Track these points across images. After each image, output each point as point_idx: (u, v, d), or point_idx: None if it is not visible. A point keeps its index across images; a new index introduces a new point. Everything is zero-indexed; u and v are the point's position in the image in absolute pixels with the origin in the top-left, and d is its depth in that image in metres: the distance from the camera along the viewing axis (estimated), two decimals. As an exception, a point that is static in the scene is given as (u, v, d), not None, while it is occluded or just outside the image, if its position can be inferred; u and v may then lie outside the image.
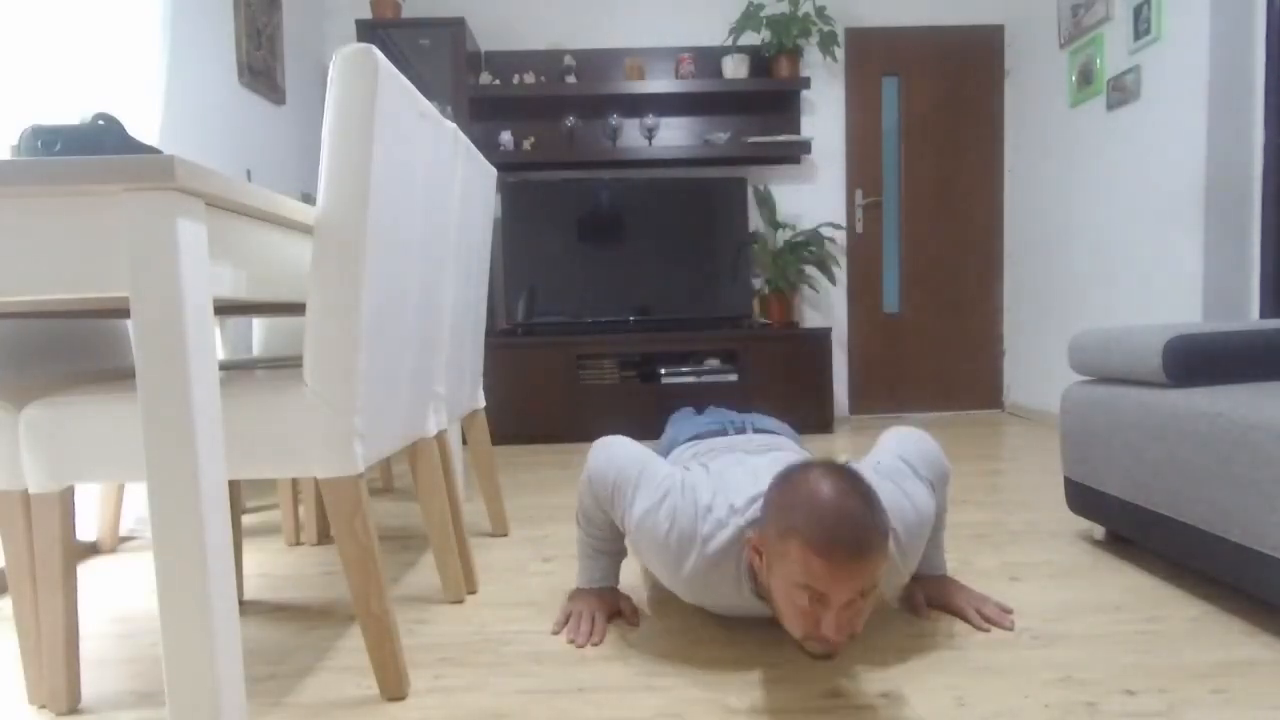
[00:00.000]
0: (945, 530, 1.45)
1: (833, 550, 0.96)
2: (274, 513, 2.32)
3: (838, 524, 0.97)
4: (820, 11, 3.65)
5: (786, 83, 3.66)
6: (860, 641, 1.28)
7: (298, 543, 1.98)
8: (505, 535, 1.99)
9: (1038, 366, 3.76)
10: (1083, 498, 1.73)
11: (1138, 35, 2.89)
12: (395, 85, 1.10)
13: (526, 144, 3.76)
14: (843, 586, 0.98)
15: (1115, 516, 1.62)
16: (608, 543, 1.42)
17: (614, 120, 3.72)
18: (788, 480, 1.07)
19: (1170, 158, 2.77)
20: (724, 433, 1.65)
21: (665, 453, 1.73)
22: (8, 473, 1.13)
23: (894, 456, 1.31)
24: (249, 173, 2.86)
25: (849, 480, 1.03)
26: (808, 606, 1.01)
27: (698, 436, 1.65)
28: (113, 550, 1.97)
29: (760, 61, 3.72)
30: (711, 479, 1.25)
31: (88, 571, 1.81)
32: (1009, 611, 1.36)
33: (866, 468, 1.26)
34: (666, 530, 1.19)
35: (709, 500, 1.20)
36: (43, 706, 1.14)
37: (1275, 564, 1.21)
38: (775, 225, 3.76)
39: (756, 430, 1.66)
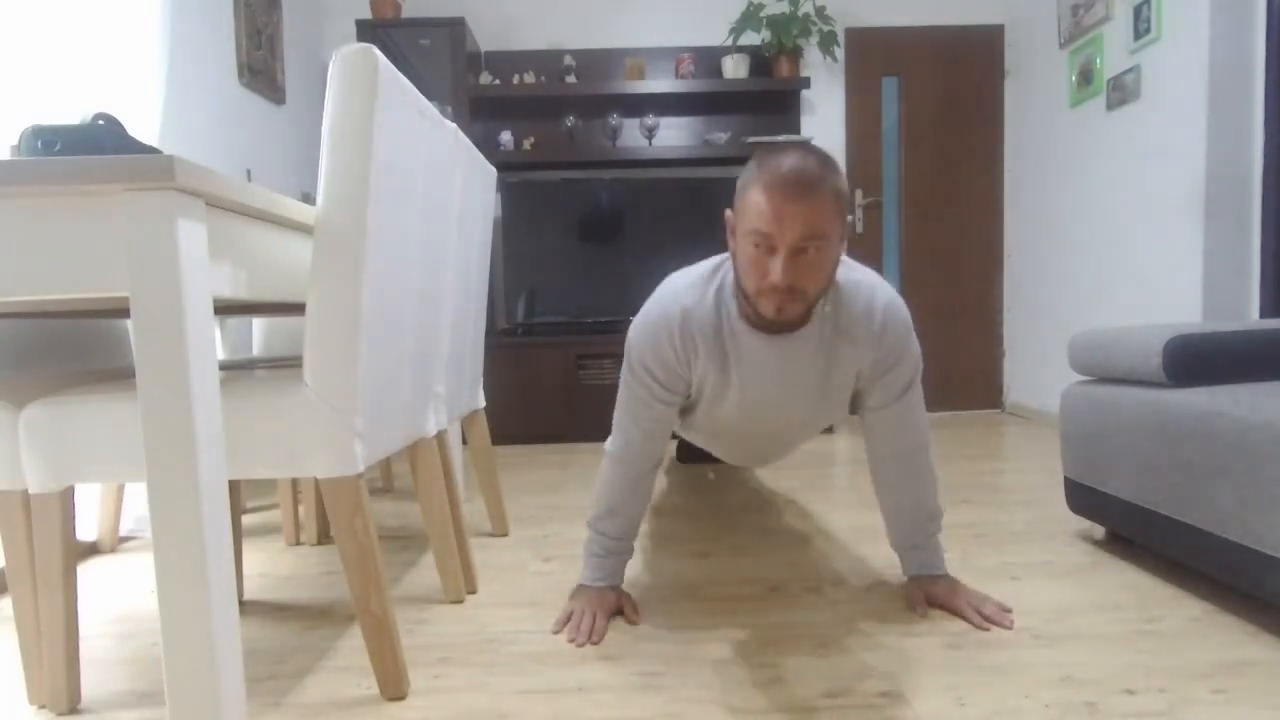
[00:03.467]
0: (943, 530, 1.46)
1: (777, 186, 1.09)
2: (274, 513, 2.32)
3: (788, 168, 1.10)
4: (820, 11, 3.65)
5: (786, 83, 3.66)
6: (860, 641, 1.28)
7: (298, 543, 1.98)
8: (505, 535, 1.99)
9: (1038, 366, 3.76)
10: (1083, 498, 1.73)
11: (1138, 35, 2.89)
12: (395, 85, 1.10)
13: (526, 144, 3.76)
14: (788, 225, 1.09)
15: (1115, 516, 1.62)
16: (619, 542, 1.43)
17: (614, 120, 3.72)
18: (756, 154, 1.19)
19: (1170, 157, 2.77)
20: None
21: None
22: (8, 473, 1.13)
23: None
24: (249, 173, 2.86)
25: (812, 148, 1.15)
26: (758, 256, 1.13)
27: None
28: (113, 550, 1.97)
29: (760, 61, 3.72)
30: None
31: (88, 571, 1.81)
32: (1009, 611, 1.36)
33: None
34: (644, 319, 1.34)
35: (676, 286, 1.34)
36: (43, 706, 1.14)
37: (1275, 564, 1.21)
38: (775, 225, 3.76)
39: None
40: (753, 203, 1.12)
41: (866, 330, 1.30)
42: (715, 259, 1.37)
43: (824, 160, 1.13)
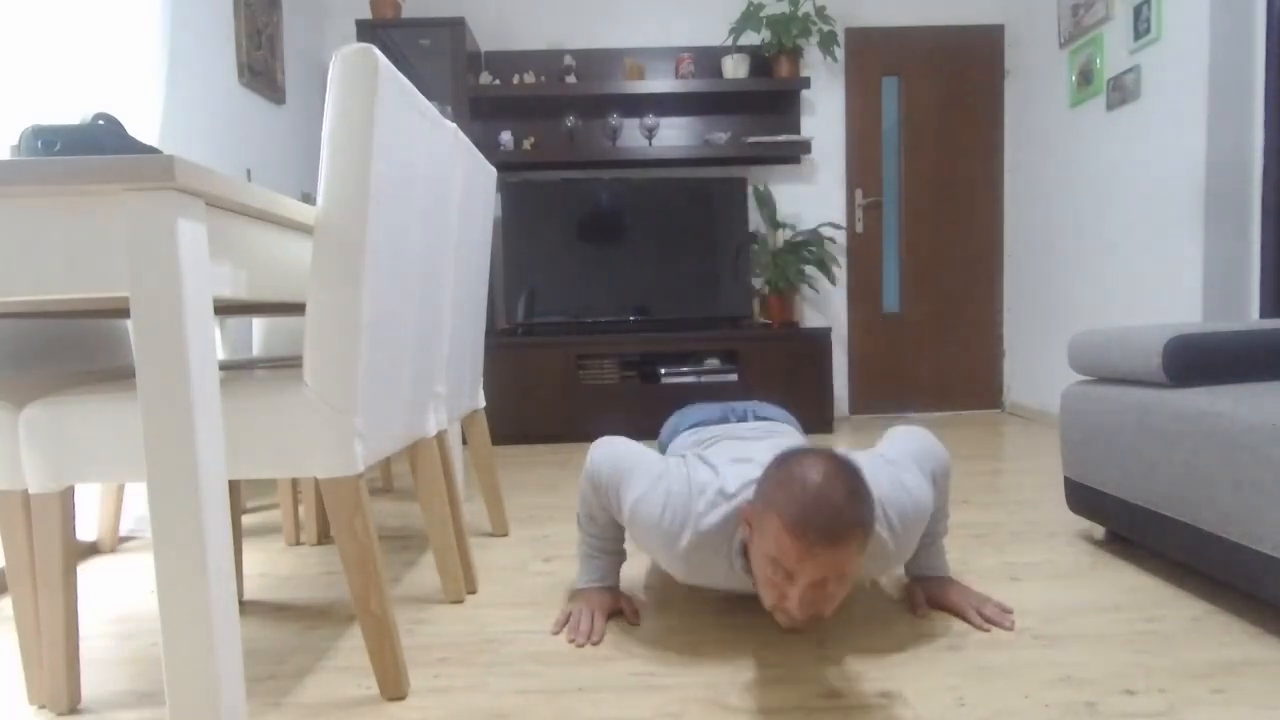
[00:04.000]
0: (947, 532, 1.46)
1: (803, 532, 0.99)
2: (274, 513, 2.32)
3: (815, 508, 1.00)
4: (820, 11, 3.65)
5: (786, 83, 3.66)
6: (860, 641, 1.28)
7: (298, 543, 1.98)
8: (505, 535, 1.99)
9: (1038, 366, 3.76)
10: (1083, 498, 1.73)
11: (1138, 35, 2.89)
12: (395, 85, 1.10)
13: (526, 144, 3.76)
14: (809, 568, 1.01)
15: (1115, 516, 1.62)
16: (608, 543, 1.43)
17: (614, 120, 3.72)
18: (785, 459, 1.09)
19: (1170, 158, 2.77)
20: (725, 420, 1.66)
21: (666, 441, 1.75)
22: (8, 473, 1.13)
23: (896, 449, 1.33)
24: (249, 173, 2.86)
25: (840, 470, 1.04)
26: (776, 579, 1.05)
27: (700, 423, 1.66)
28: (113, 550, 1.97)
29: (760, 61, 3.72)
30: (707, 465, 1.27)
31: (88, 571, 1.81)
32: (1009, 611, 1.36)
33: (868, 456, 1.27)
34: (661, 510, 1.22)
35: (703, 482, 1.22)
36: (43, 706, 1.14)
37: (1275, 564, 1.21)
38: (775, 225, 3.76)
39: (758, 418, 1.68)
40: (774, 532, 1.02)
41: (884, 552, 1.21)
42: (741, 483, 1.21)
43: (854, 491, 1.02)
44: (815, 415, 3.51)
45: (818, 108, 3.91)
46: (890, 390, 4.04)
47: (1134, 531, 1.57)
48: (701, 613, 1.43)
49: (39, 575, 1.08)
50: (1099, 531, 1.84)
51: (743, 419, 1.68)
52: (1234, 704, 1.05)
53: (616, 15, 3.86)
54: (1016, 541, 1.81)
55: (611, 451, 1.33)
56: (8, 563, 1.15)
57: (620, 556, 1.46)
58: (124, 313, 1.55)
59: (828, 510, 0.99)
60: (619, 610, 1.41)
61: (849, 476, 1.04)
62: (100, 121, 0.99)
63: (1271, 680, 1.11)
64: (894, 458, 1.29)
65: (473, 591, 1.58)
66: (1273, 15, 2.40)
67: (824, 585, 1.03)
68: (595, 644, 1.31)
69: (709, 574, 1.25)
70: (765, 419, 1.68)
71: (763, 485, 1.09)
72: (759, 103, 3.82)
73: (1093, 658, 1.20)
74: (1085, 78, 3.25)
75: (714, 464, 1.27)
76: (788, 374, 3.52)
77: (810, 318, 4.00)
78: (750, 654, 1.25)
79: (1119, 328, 1.66)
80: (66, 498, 1.08)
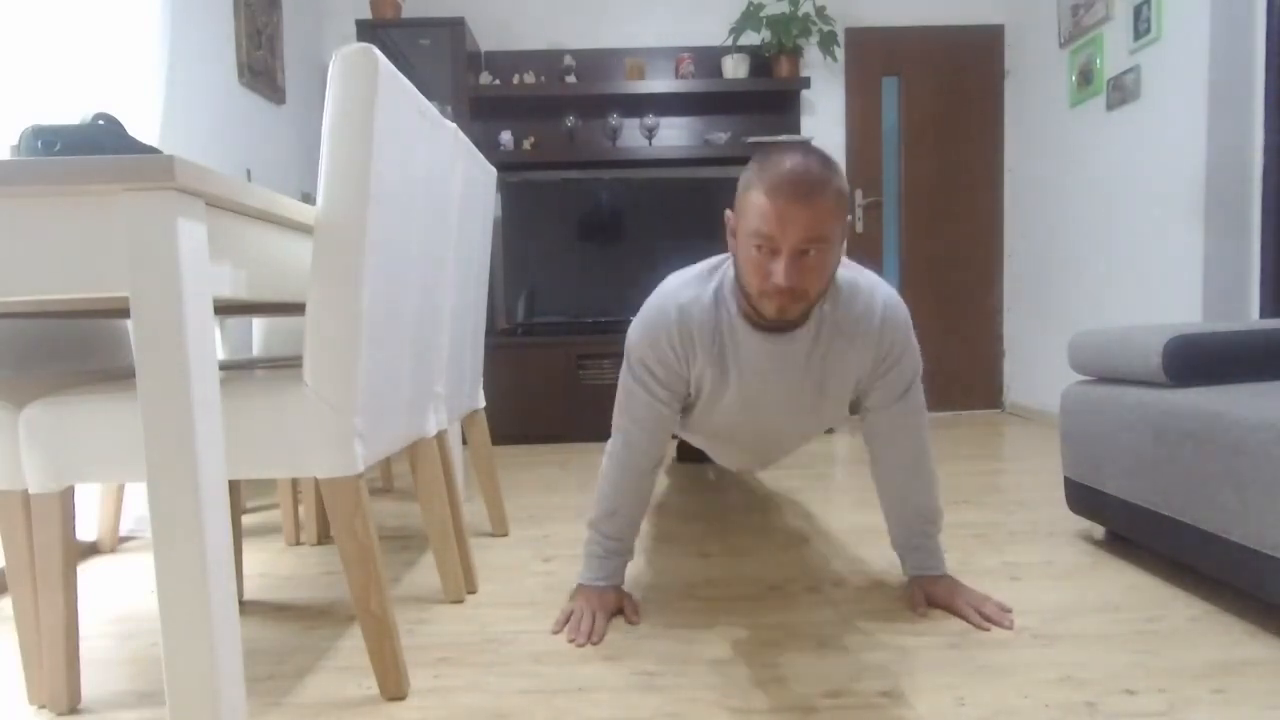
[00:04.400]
0: (943, 530, 1.46)
1: (781, 189, 1.09)
2: (274, 513, 2.32)
3: (790, 170, 1.10)
4: (820, 11, 3.65)
5: (786, 83, 3.66)
6: (860, 641, 1.28)
7: (298, 543, 1.98)
8: (505, 535, 1.99)
9: (1038, 366, 3.76)
10: (1083, 498, 1.73)
11: (1138, 35, 2.89)
12: (395, 85, 1.10)
13: (526, 144, 3.76)
14: (791, 228, 1.09)
15: (1115, 516, 1.62)
16: (620, 542, 1.43)
17: (614, 120, 3.72)
18: (756, 155, 1.19)
19: (1170, 158, 2.77)
20: None
21: None
22: (8, 473, 1.13)
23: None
24: (249, 173, 2.86)
25: (812, 148, 1.15)
26: (760, 258, 1.13)
27: None
28: (113, 550, 1.97)
29: (760, 61, 3.72)
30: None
31: (88, 571, 1.81)
32: (1009, 611, 1.36)
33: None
34: (643, 317, 1.34)
35: (669, 289, 1.35)
36: (43, 706, 1.14)
37: (1275, 564, 1.21)
38: (775, 225, 3.76)
39: None
40: (754, 205, 1.12)
41: (866, 329, 1.30)
42: (714, 259, 1.37)
43: (825, 161, 1.13)
44: (815, 415, 3.51)
45: (818, 108, 3.91)
46: (890, 390, 4.03)
47: (1134, 531, 1.57)
48: (701, 613, 1.43)
49: (39, 575, 1.08)
50: (1099, 531, 1.84)
51: None
52: (1234, 704, 1.05)
53: (616, 15, 3.86)
54: (1016, 541, 1.81)
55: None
56: (8, 563, 1.15)
57: (628, 556, 1.46)
58: (124, 313, 1.54)
59: (802, 170, 1.09)
60: (620, 610, 1.41)
61: (820, 153, 1.15)
62: (100, 121, 0.99)
63: (1271, 680, 1.11)
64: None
65: (473, 591, 1.58)
66: (1273, 15, 2.40)
67: (806, 254, 1.11)
68: (595, 644, 1.31)
69: (702, 353, 1.31)
70: None
71: (740, 184, 1.19)
72: (759, 103, 3.81)
73: (1093, 658, 1.20)
74: (1085, 78, 3.25)
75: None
76: (788, 374, 3.51)
77: (810, 318, 3.99)
78: (750, 654, 1.25)
79: (1119, 328, 1.66)
80: (66, 498, 1.08)
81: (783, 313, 1.18)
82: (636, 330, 1.36)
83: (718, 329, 1.30)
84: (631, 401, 1.40)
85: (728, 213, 1.23)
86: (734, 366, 1.32)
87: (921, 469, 1.42)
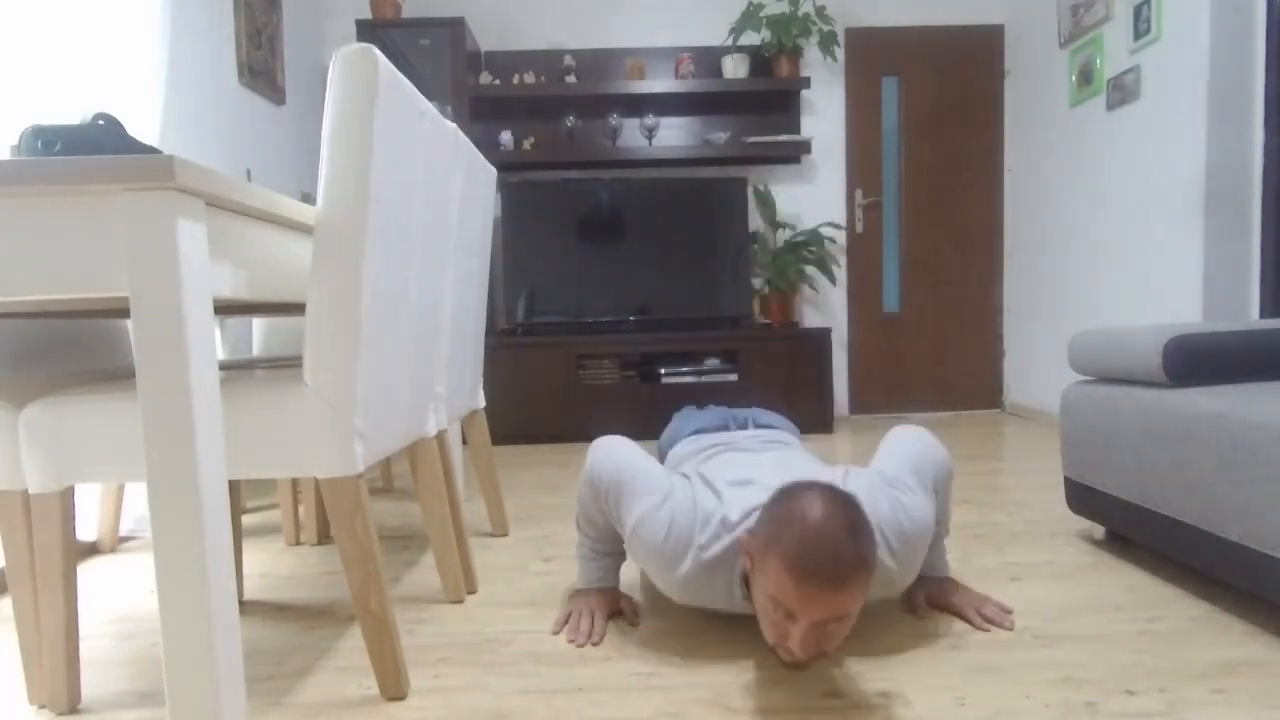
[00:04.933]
0: (949, 533, 1.46)
1: (806, 577, 0.98)
2: (274, 513, 2.32)
3: (817, 552, 0.99)
4: (820, 11, 3.65)
5: (786, 83, 3.66)
6: (860, 641, 1.28)
7: (298, 543, 1.98)
8: (505, 535, 1.99)
9: (1038, 366, 3.76)
10: (1083, 498, 1.73)
11: (1138, 35, 2.89)
12: (395, 85, 1.10)
13: (526, 144, 3.76)
14: (811, 611, 1.00)
15: (1115, 516, 1.62)
16: (607, 545, 1.42)
17: (614, 120, 3.72)
18: (785, 496, 1.08)
19: (1170, 158, 2.77)
20: (725, 428, 1.65)
21: (667, 447, 1.74)
22: (8, 473, 1.13)
23: (896, 464, 1.31)
24: (249, 173, 2.86)
25: (844, 509, 1.03)
26: (777, 620, 1.04)
27: (699, 431, 1.66)
28: (113, 550, 1.97)
29: (760, 61, 3.72)
30: (710, 490, 1.26)
31: (88, 571, 1.81)
32: (1009, 611, 1.36)
33: (867, 477, 1.26)
34: (664, 535, 1.21)
35: (707, 511, 1.21)
36: (43, 706, 1.14)
37: (1275, 564, 1.21)
38: (775, 225, 3.77)
39: (758, 425, 1.67)
40: (775, 573, 1.01)
41: (886, 578, 1.21)
42: (743, 512, 1.20)
43: (854, 530, 1.01)
44: (815, 415, 3.51)
45: (818, 108, 3.91)
46: (890, 390, 4.04)
47: (1134, 531, 1.57)
48: (701, 613, 1.43)
49: (39, 575, 1.08)
50: (1099, 531, 1.84)
51: (743, 426, 1.67)
52: (1234, 704, 1.05)
53: (616, 15, 3.86)
54: (1016, 541, 1.81)
55: (612, 457, 1.32)
56: (8, 563, 1.15)
57: (620, 558, 1.46)
58: (124, 313, 1.54)
59: (829, 553, 0.98)
60: (619, 611, 1.41)
61: (848, 514, 1.03)
62: (100, 121, 0.99)
63: (1271, 680, 1.11)
64: (893, 475, 1.27)
65: (473, 591, 1.58)
66: (1273, 15, 2.40)
67: (825, 625, 1.02)
68: (595, 644, 1.31)
69: (706, 598, 1.25)
70: (765, 426, 1.67)
71: (764, 522, 1.08)
72: (759, 103, 3.82)
73: (1093, 658, 1.20)
74: (1085, 78, 3.25)
75: (717, 487, 1.26)
76: (788, 374, 3.52)
77: (810, 318, 4.00)
78: (750, 654, 1.25)
79: (1119, 328, 1.66)
80: (66, 498, 1.08)
81: (797, 667, 1.16)
82: (649, 530, 1.22)
83: (718, 583, 1.22)
84: (586, 522, 1.40)
85: (743, 539, 1.13)
86: (727, 607, 1.27)
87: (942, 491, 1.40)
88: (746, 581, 1.19)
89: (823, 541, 0.99)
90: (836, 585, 0.98)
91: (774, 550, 1.02)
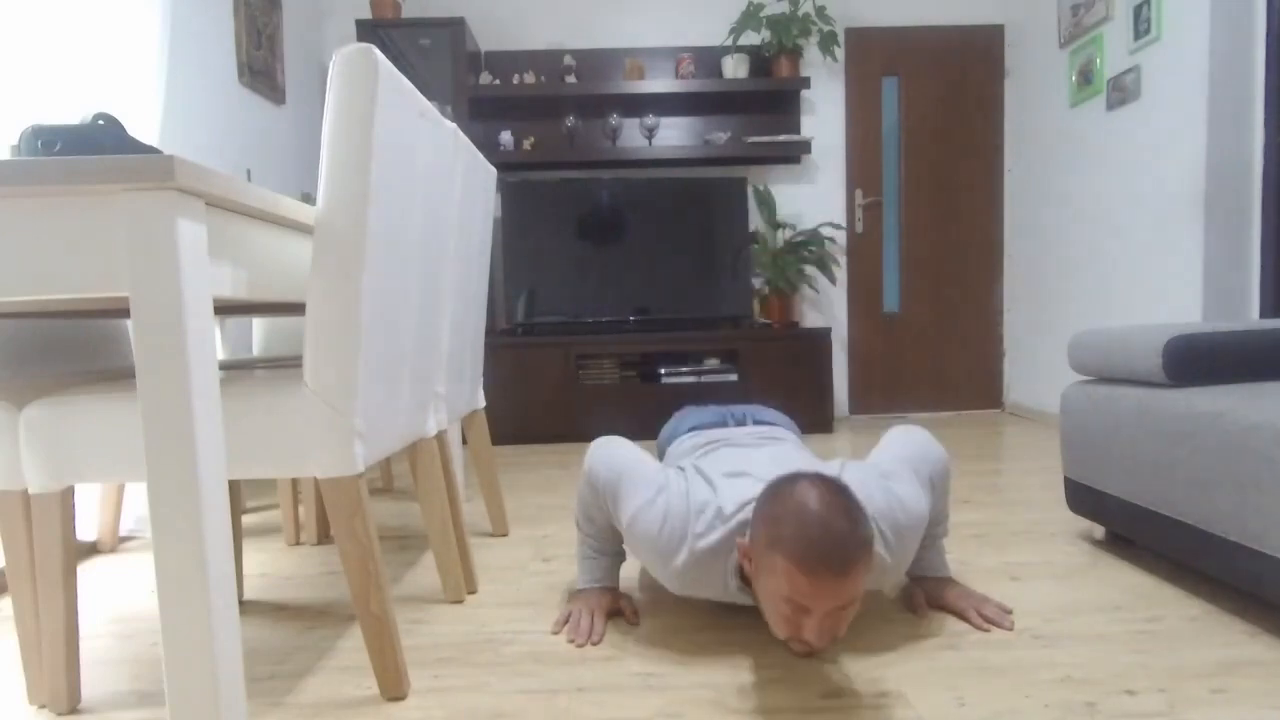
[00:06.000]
0: (948, 533, 1.46)
1: (816, 570, 0.99)
2: (274, 513, 2.32)
3: (821, 542, 0.99)
4: (820, 11, 3.65)
5: (786, 83, 3.66)
6: (860, 641, 1.28)
7: (298, 543, 1.98)
8: (505, 535, 1.99)
9: (1038, 366, 3.76)
10: (1083, 498, 1.73)
11: (1138, 35, 2.89)
12: (395, 85, 1.10)
13: (526, 144, 3.76)
14: (826, 601, 1.01)
15: (1115, 516, 1.62)
16: (607, 544, 1.43)
17: (614, 120, 3.72)
18: (776, 492, 1.08)
19: (1170, 158, 2.77)
20: (724, 424, 1.66)
21: (666, 442, 1.75)
22: (8, 473, 1.13)
23: (892, 457, 1.33)
24: (249, 173, 2.86)
25: (835, 495, 1.04)
26: (791, 615, 1.04)
27: (698, 427, 1.66)
28: (113, 550, 1.97)
29: (760, 61, 3.72)
30: (705, 481, 1.27)
31: (88, 571, 1.81)
32: (1009, 612, 1.36)
33: (863, 470, 1.27)
34: (659, 527, 1.22)
35: (701, 501, 1.22)
36: (43, 706, 1.14)
37: (1275, 564, 1.21)
38: (775, 225, 3.77)
39: (756, 422, 1.67)
40: (784, 572, 1.01)
41: (881, 566, 1.21)
42: (738, 504, 1.20)
43: (852, 515, 1.02)
44: (815, 415, 3.51)
45: (818, 108, 3.91)
46: (890, 390, 4.04)
47: (1134, 531, 1.57)
48: (701, 613, 1.43)
49: (39, 575, 1.08)
50: (1099, 531, 1.84)
51: (741, 423, 1.68)
52: (1234, 704, 1.05)
53: (616, 15, 3.86)
54: (1016, 541, 1.81)
55: (610, 455, 1.33)
56: (8, 563, 1.15)
57: (619, 557, 1.46)
58: (124, 313, 1.54)
59: (833, 541, 0.99)
60: (619, 610, 1.41)
61: (843, 498, 1.04)
62: (100, 121, 0.99)
63: (1271, 680, 1.11)
64: (889, 467, 1.29)
65: (473, 591, 1.58)
66: (1273, 15, 2.40)
67: (837, 611, 1.03)
68: (595, 644, 1.31)
69: (703, 589, 1.25)
70: (764, 423, 1.68)
71: (759, 521, 1.08)
72: (759, 103, 3.82)
73: (1093, 658, 1.20)
74: (1085, 78, 3.25)
75: (712, 479, 1.27)
76: (788, 374, 3.52)
77: (810, 318, 4.00)
78: (750, 654, 1.25)
79: (1119, 328, 1.66)
80: (66, 498, 1.08)
81: (811, 655, 1.18)
82: (644, 522, 1.23)
83: (714, 574, 1.22)
84: (585, 522, 1.42)
85: (740, 542, 1.13)
86: (724, 599, 1.27)
87: (939, 488, 1.40)
88: (742, 574, 1.20)
89: (826, 532, 1.00)
90: (847, 571, 0.99)
91: (778, 550, 1.02)
